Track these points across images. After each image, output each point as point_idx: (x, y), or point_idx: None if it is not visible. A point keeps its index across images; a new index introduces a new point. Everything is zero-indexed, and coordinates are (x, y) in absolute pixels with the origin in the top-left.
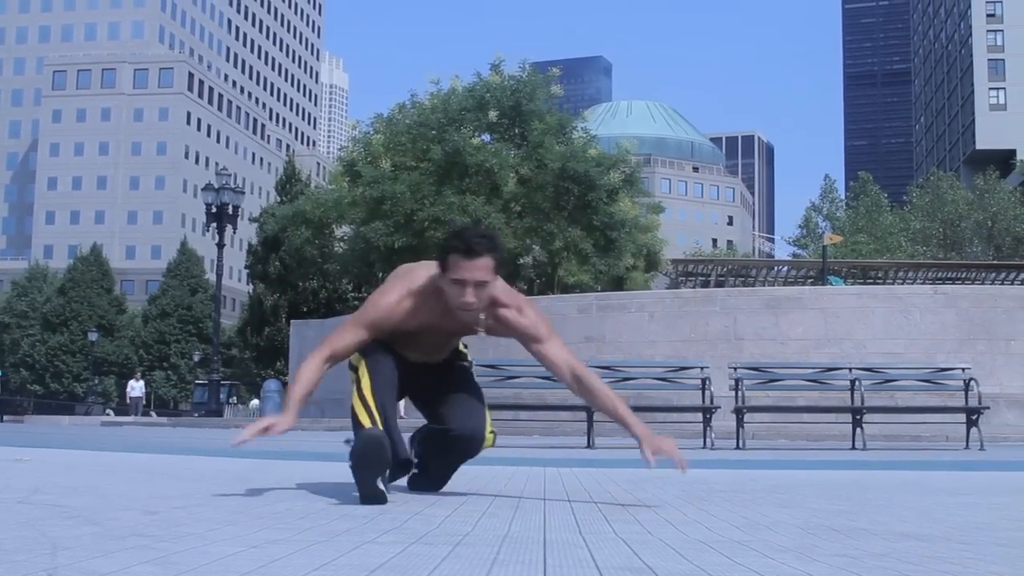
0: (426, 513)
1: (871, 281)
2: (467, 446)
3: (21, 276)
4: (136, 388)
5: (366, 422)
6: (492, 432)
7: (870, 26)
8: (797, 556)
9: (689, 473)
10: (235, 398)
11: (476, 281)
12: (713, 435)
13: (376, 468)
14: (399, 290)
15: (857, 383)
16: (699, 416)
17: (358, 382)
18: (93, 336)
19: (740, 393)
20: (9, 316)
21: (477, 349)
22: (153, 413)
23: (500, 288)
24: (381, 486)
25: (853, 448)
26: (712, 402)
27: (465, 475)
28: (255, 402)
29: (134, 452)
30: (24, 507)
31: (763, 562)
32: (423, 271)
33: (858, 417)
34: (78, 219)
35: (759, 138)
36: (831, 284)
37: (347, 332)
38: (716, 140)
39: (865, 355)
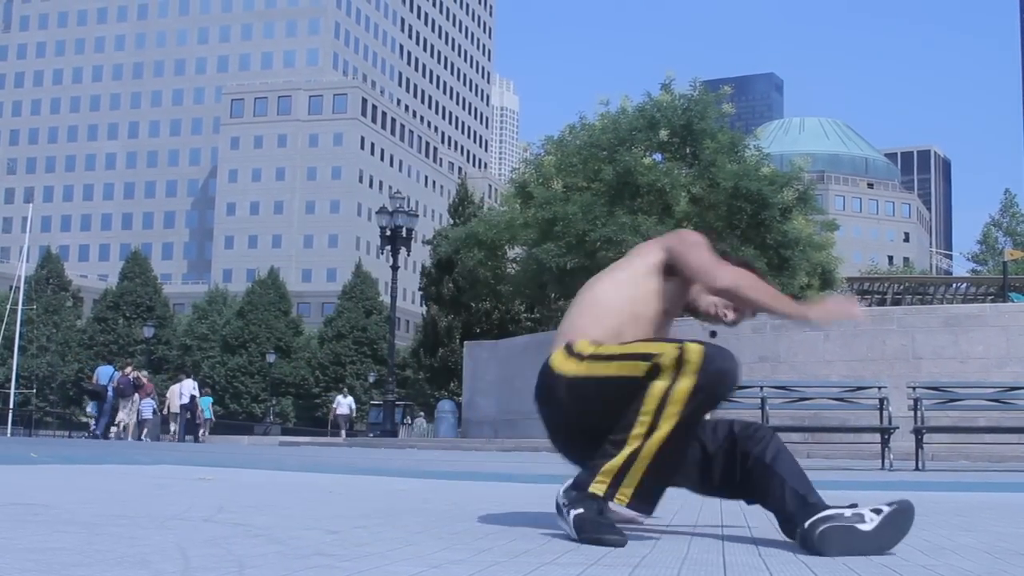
0: None
1: None
2: None
3: (201, 299)
4: (343, 404)
5: None
6: None
7: None
8: None
9: (868, 495)
10: (409, 419)
11: None
12: (891, 456)
13: None
14: None
15: None
16: (876, 437)
17: None
18: (271, 358)
19: (919, 413)
20: (190, 339)
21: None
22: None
23: None
24: None
25: None
26: (890, 422)
27: None
28: (419, 421)
29: (312, 472)
30: (210, 525)
31: None
32: None
33: None
34: (256, 243)
35: (935, 152)
36: (1012, 301)
37: None
38: (891, 156)
39: None
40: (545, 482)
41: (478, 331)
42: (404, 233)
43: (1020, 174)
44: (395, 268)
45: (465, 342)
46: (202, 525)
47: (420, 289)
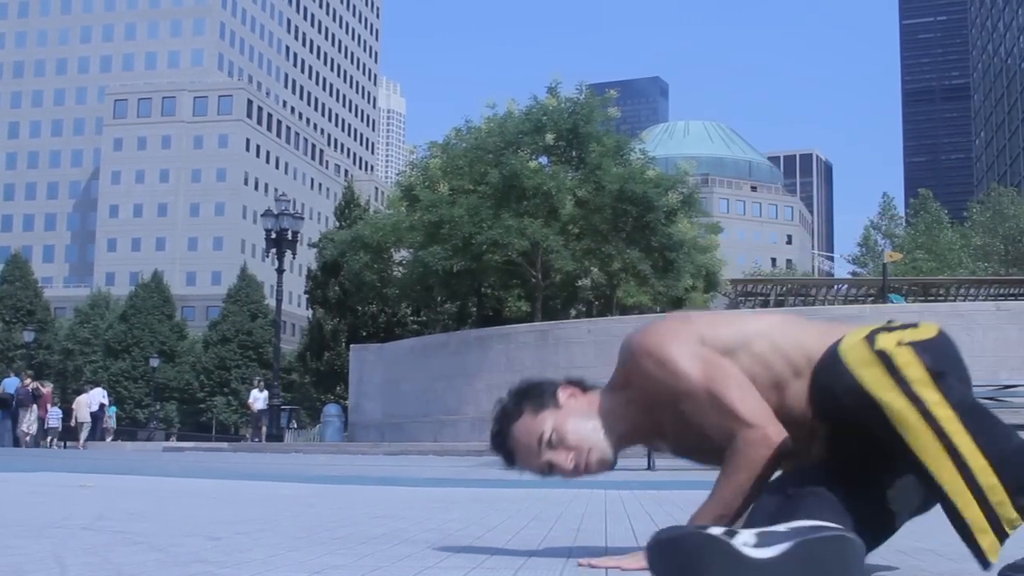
0: (487, 538)
1: (932, 299)
2: None
3: (84, 303)
4: (260, 399)
5: None
6: None
7: (928, 42)
8: None
9: None
10: (295, 423)
11: (545, 461)
12: None
13: None
14: None
15: None
16: None
17: None
18: (155, 362)
19: None
20: (72, 343)
21: (534, 371)
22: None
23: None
24: None
25: None
26: None
27: (527, 499)
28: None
29: (195, 478)
30: (88, 533)
31: None
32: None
33: None
34: (139, 246)
35: (817, 156)
36: (892, 302)
37: None
38: (774, 159)
39: None
40: (431, 486)
41: (364, 334)
42: (289, 236)
43: (899, 178)
44: (280, 271)
45: (351, 345)
46: (80, 533)
47: (306, 292)
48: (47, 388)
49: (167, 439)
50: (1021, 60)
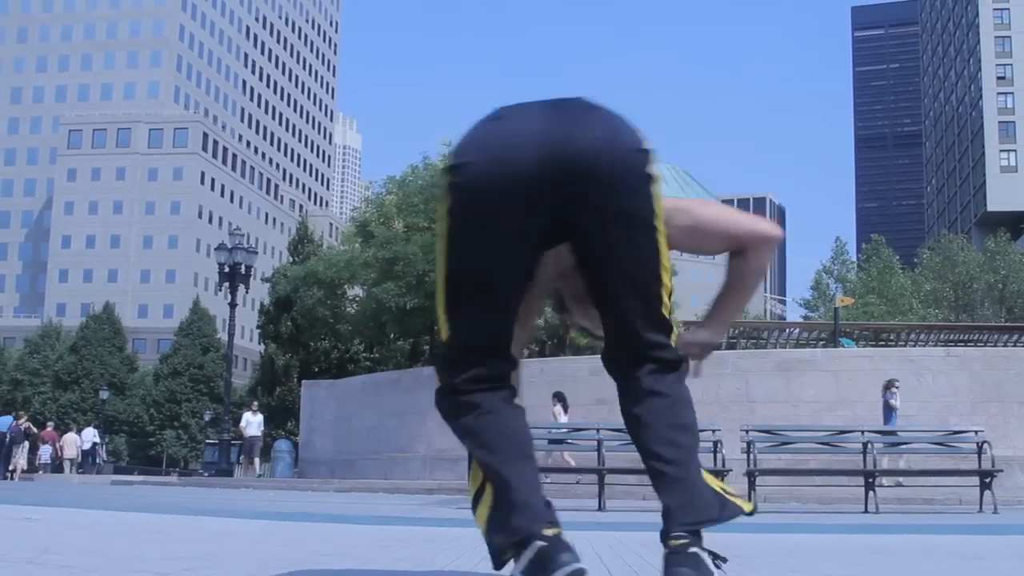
0: None
1: (883, 343)
2: None
3: (34, 334)
4: (254, 424)
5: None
6: None
7: (880, 89)
8: None
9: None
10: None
11: None
12: None
13: None
14: None
15: (869, 446)
16: None
17: None
18: (104, 394)
19: (752, 456)
20: (21, 373)
21: None
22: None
23: None
24: None
25: (866, 511)
26: (724, 465)
27: (477, 539)
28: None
29: (143, 512)
30: (33, 567)
31: None
32: None
33: (871, 480)
34: (91, 277)
35: (771, 200)
36: (843, 346)
37: None
38: (728, 202)
39: (877, 418)
40: (381, 524)
41: (316, 370)
42: (243, 270)
43: (851, 222)
44: (233, 305)
45: (303, 381)
46: (25, 567)
47: (258, 327)
48: (48, 427)
49: (115, 472)
50: (972, 109)
